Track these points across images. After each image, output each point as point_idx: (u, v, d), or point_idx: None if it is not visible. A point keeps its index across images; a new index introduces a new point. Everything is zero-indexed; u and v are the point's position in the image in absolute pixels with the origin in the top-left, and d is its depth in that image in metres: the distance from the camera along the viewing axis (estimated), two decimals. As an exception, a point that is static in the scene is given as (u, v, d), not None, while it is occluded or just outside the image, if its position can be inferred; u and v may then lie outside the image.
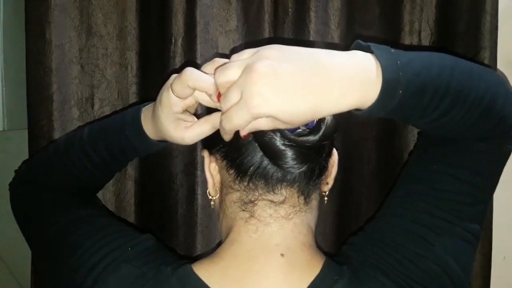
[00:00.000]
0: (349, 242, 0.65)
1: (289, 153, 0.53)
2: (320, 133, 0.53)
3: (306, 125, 0.54)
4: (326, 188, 0.64)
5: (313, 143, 0.53)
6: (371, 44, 0.50)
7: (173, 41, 0.87)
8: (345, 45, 0.89)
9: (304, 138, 0.53)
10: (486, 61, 0.90)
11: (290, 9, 0.90)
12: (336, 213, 0.94)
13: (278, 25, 0.91)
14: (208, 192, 0.63)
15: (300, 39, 0.89)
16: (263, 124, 0.49)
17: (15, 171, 0.78)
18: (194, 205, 0.89)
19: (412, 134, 0.93)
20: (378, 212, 0.67)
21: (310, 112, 0.47)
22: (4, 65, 0.95)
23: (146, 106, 0.64)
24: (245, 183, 0.57)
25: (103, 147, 0.67)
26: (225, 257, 0.58)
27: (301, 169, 0.55)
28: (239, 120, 0.47)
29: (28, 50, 0.85)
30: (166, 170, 0.90)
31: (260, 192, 0.57)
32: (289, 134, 0.53)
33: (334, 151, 0.63)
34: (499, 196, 0.88)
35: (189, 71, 0.53)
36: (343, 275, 0.57)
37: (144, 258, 0.61)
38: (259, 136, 0.54)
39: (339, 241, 0.94)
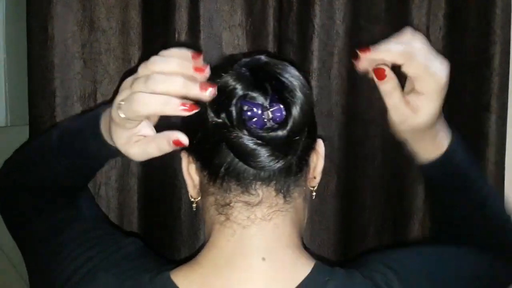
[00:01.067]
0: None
1: (262, 151, 0.50)
2: (288, 127, 0.50)
3: (273, 119, 0.51)
4: (314, 182, 0.60)
5: (283, 138, 0.50)
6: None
7: (176, 36, 0.85)
8: (351, 40, 0.88)
9: (273, 134, 0.50)
10: (497, 57, 0.88)
11: (295, 4, 0.88)
12: (341, 211, 0.93)
13: (282, 20, 0.89)
14: (190, 195, 0.60)
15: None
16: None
17: None
18: (197, 202, 0.88)
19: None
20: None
21: None
22: (6, 61, 0.95)
23: (107, 109, 0.57)
24: (218, 185, 0.55)
25: (72, 153, 0.64)
26: (204, 263, 0.56)
27: (277, 166, 0.51)
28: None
29: (30, 45, 0.84)
30: (170, 167, 0.89)
31: (234, 193, 0.54)
32: (258, 131, 0.50)
33: (320, 142, 0.59)
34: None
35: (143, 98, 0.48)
36: (335, 276, 0.55)
37: (124, 265, 0.58)
38: (226, 136, 0.50)
39: (343, 240, 0.93)
